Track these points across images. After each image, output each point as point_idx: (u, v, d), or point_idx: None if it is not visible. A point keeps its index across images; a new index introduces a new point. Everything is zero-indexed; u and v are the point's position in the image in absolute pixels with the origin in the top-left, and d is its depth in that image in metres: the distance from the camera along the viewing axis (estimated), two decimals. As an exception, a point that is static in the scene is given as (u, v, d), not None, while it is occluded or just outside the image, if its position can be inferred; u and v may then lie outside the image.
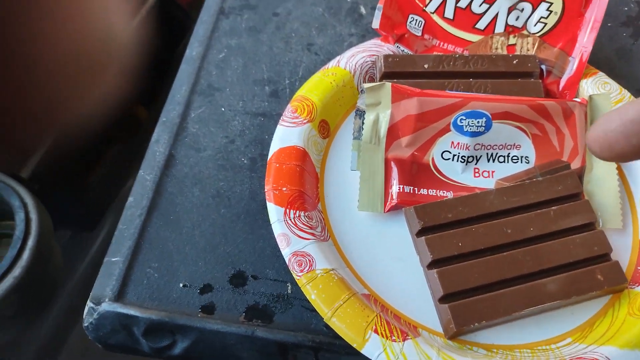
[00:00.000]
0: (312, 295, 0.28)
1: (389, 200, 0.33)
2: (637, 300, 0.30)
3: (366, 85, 0.33)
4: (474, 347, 0.29)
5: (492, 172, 0.34)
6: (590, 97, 0.35)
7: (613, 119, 0.16)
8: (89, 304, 0.30)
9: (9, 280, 0.49)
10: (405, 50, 0.39)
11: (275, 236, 0.30)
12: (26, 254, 0.51)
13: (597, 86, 0.37)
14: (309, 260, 0.29)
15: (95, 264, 0.78)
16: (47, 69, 0.13)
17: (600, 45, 0.44)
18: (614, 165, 0.34)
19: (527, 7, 0.38)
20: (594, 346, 0.28)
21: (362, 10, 0.45)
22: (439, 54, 0.38)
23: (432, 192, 0.33)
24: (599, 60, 0.43)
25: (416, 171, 0.33)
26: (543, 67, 0.38)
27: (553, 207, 0.31)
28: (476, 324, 0.28)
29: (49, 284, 0.55)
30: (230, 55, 0.41)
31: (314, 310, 0.29)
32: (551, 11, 0.38)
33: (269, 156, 0.33)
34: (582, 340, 0.29)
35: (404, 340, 0.27)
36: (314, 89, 0.36)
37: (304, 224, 0.31)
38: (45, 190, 0.63)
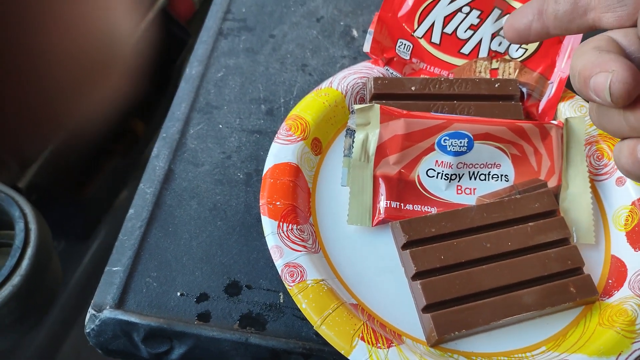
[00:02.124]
0: (303, 304, 0.30)
1: (377, 214, 0.35)
2: (607, 311, 0.32)
3: (356, 106, 0.35)
4: (455, 355, 0.30)
5: (474, 189, 0.36)
6: (567, 119, 0.37)
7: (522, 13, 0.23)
8: (91, 310, 0.32)
9: (7, 289, 0.51)
10: (394, 73, 0.41)
11: (269, 248, 0.32)
12: (25, 263, 0.52)
13: (573, 109, 0.40)
14: (301, 271, 0.31)
15: (89, 273, 0.80)
16: (50, 74, 0.13)
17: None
18: (588, 184, 0.36)
19: (509, 34, 0.41)
20: (566, 354, 0.30)
21: (355, 33, 0.47)
22: (425, 77, 0.40)
23: (417, 207, 0.35)
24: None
25: (402, 187, 0.35)
26: (524, 90, 0.41)
27: (530, 223, 0.33)
28: (456, 332, 0.30)
29: (48, 292, 0.56)
30: (229, 74, 0.44)
31: (304, 318, 0.31)
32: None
33: (264, 172, 0.35)
34: (556, 348, 0.31)
35: (388, 347, 0.29)
36: (308, 108, 0.38)
37: (296, 236, 0.33)
38: (42, 201, 0.64)
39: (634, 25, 0.19)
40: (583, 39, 0.36)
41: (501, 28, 0.41)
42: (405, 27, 0.41)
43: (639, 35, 0.19)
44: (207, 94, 0.42)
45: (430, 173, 0.36)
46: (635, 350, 0.30)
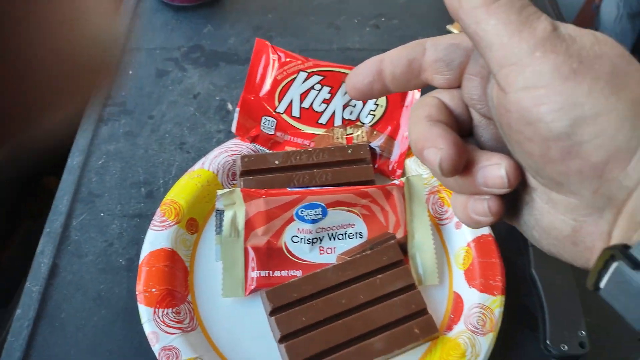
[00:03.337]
0: (180, 382, 0.34)
1: (249, 284, 0.39)
2: (447, 345, 0.37)
3: (220, 191, 0.40)
4: (320, 405, 0.35)
5: (334, 248, 0.41)
6: (407, 178, 0.43)
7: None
8: (-19, 416, 0.34)
9: None
10: (261, 148, 0.46)
11: (146, 334, 0.35)
12: None
13: (417, 163, 0.46)
14: (176, 353, 0.35)
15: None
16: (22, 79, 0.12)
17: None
18: (429, 232, 0.42)
19: (359, 103, 0.47)
20: (412, 390, 0.35)
21: (229, 106, 0.51)
22: (288, 150, 0.45)
23: (284, 272, 0.40)
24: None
25: (271, 255, 0.40)
26: (377, 150, 0.46)
27: (379, 276, 0.39)
28: (319, 386, 0.34)
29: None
30: (109, 160, 0.47)
31: (185, 393, 0.34)
32: (378, 105, 0.47)
33: (140, 260, 0.38)
34: (407, 384, 0.36)
35: (256, 410, 0.33)
36: (181, 192, 0.42)
37: (171, 319, 0.36)
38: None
39: (459, 87, 0.22)
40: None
41: (350, 99, 0.47)
42: (267, 106, 0.46)
43: (462, 97, 0.22)
44: (89, 183, 0.45)
45: (295, 239, 0.40)
46: (468, 378, 0.35)
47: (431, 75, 0.22)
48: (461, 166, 0.20)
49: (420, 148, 0.20)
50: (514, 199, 0.21)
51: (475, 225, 0.22)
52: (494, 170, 0.20)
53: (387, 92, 0.24)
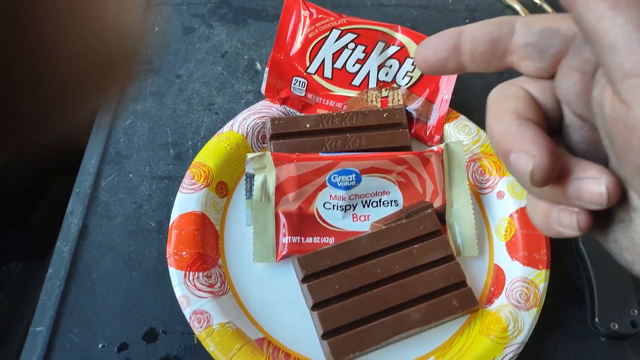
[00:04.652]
0: (211, 347, 0.33)
1: (280, 250, 0.38)
2: (487, 319, 0.36)
3: (249, 155, 0.38)
4: (353, 374, 0.34)
5: (368, 216, 0.39)
6: (446, 144, 0.41)
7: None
8: (16, 373, 0.34)
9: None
10: (291, 110, 0.44)
11: (177, 298, 0.34)
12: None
13: (457, 129, 0.43)
14: (207, 317, 0.34)
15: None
16: (48, 76, 0.12)
17: (469, 83, 0.50)
18: (469, 201, 0.40)
19: (395, 63, 0.44)
20: (448, 363, 0.34)
21: (258, 66, 0.49)
22: (319, 113, 0.43)
23: (316, 239, 0.38)
24: (466, 98, 0.49)
25: (303, 222, 0.38)
26: (413, 114, 0.44)
27: (416, 246, 0.37)
28: (352, 354, 0.34)
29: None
30: (137, 121, 0.45)
31: (216, 357, 0.34)
32: (415, 65, 0.44)
33: (170, 223, 0.37)
34: (443, 357, 0.35)
35: (288, 378, 0.32)
36: (210, 154, 0.41)
37: (202, 283, 0.35)
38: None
39: (552, 78, 0.19)
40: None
41: (387, 59, 0.44)
42: (298, 66, 0.44)
43: (555, 93, 0.19)
44: (117, 144, 0.44)
45: (327, 206, 0.39)
46: (508, 354, 0.34)
47: (518, 60, 0.19)
48: (554, 177, 0.17)
49: (505, 150, 0.17)
50: (605, 214, 0.18)
51: (556, 235, 0.19)
52: (591, 185, 0.17)
53: (462, 71, 0.21)
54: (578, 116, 0.19)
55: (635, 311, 0.35)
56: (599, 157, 0.18)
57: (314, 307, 0.35)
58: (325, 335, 0.34)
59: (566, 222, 0.18)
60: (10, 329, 0.60)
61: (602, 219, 0.19)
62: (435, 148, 0.40)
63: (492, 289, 0.38)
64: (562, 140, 0.20)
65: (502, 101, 0.19)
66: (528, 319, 0.35)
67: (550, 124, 0.19)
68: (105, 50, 0.13)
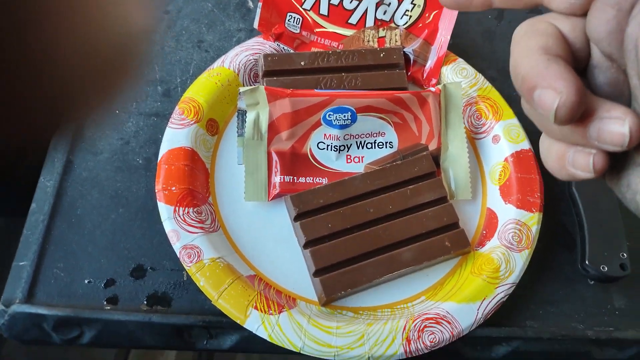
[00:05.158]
0: (201, 281, 0.33)
1: (272, 189, 0.37)
2: (479, 260, 0.36)
3: (242, 89, 0.37)
4: (344, 311, 0.34)
5: (362, 157, 0.38)
6: (444, 85, 0.40)
7: None
8: (0, 306, 0.33)
9: None
10: (286, 48, 0.42)
11: (167, 232, 0.34)
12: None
13: (455, 72, 0.42)
14: (197, 252, 0.33)
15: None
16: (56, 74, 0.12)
17: (468, 28, 0.49)
18: (465, 145, 0.39)
19: (394, 1, 0.42)
20: (439, 302, 0.34)
21: (250, 4, 0.47)
22: (314, 51, 0.41)
23: (309, 179, 0.37)
24: (465, 44, 0.48)
25: (295, 161, 0.37)
26: (410, 56, 0.43)
27: (410, 187, 0.37)
28: (343, 292, 0.33)
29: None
30: (123, 56, 0.43)
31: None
32: (415, 4, 0.43)
33: (159, 158, 0.36)
34: (433, 297, 0.35)
35: (279, 312, 0.32)
36: (200, 90, 0.39)
37: (192, 219, 0.34)
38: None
39: (583, 15, 0.18)
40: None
41: (386, -4, 0.42)
42: (293, 0, 0.42)
43: (586, 32, 0.18)
44: (102, 79, 0.42)
45: (321, 146, 0.38)
46: (499, 294, 0.34)
47: None
48: (578, 116, 0.17)
49: (530, 86, 0.17)
50: (622, 157, 0.18)
51: (568, 177, 0.19)
52: (614, 125, 0.17)
53: (489, 7, 0.20)
54: (607, 56, 0.18)
55: (625, 255, 0.35)
56: (622, 101, 0.18)
57: (306, 245, 0.34)
58: (317, 273, 0.34)
59: (581, 164, 0.18)
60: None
61: (617, 161, 0.18)
62: (432, 89, 0.39)
63: (484, 232, 0.38)
64: (586, 82, 0.19)
65: (531, 36, 0.18)
66: (520, 260, 0.35)
67: (576, 63, 0.19)
68: (107, 50, 0.13)
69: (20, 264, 0.35)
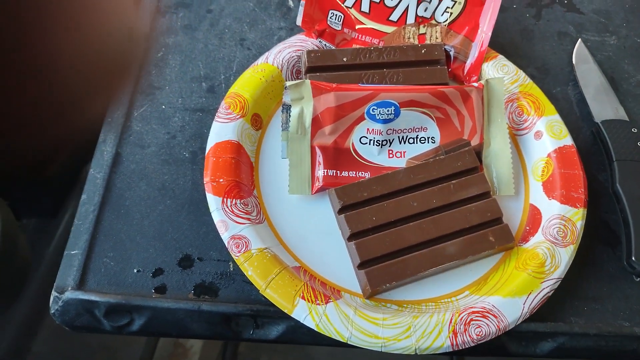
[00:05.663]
0: (249, 271, 0.33)
1: (316, 183, 0.37)
2: (523, 256, 0.36)
3: (288, 83, 0.37)
4: (388, 304, 0.34)
5: (404, 152, 0.39)
6: (487, 80, 0.40)
7: None
8: (54, 293, 0.34)
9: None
10: (327, 45, 0.43)
11: (215, 223, 0.34)
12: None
13: (496, 68, 0.42)
14: (245, 242, 0.34)
15: (60, 248, 0.81)
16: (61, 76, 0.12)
17: (507, 27, 0.49)
18: (507, 140, 0.39)
19: (434, -1, 0.43)
20: (485, 296, 0.34)
21: (290, 3, 0.48)
22: (356, 47, 0.42)
23: (352, 173, 0.38)
24: (504, 42, 0.48)
25: (338, 156, 0.38)
26: (451, 52, 0.43)
27: (453, 181, 0.37)
28: (387, 284, 0.34)
29: (17, 275, 0.58)
30: (168, 53, 0.44)
31: (252, 283, 0.34)
32: (455, 1, 0.43)
33: (207, 151, 0.37)
34: (477, 292, 0.35)
35: (326, 303, 0.32)
36: (245, 85, 0.40)
37: (240, 210, 0.35)
38: (1, 182, 0.65)
39: None
40: None
41: (427, -6, 0.43)
42: (335, -2, 0.43)
43: None
44: (149, 75, 0.43)
45: (363, 140, 0.38)
46: (544, 288, 0.34)
47: None
48: None
49: None
50: None
51: None
52: None
53: None
54: None
55: (673, 251, 0.35)
56: None
57: (351, 238, 0.35)
58: (361, 265, 0.34)
59: None
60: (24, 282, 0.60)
61: None
62: (475, 84, 0.39)
63: (528, 227, 0.38)
64: None
65: None
66: (565, 256, 0.35)
67: None
68: (111, 49, 0.13)
69: (72, 252, 0.36)
